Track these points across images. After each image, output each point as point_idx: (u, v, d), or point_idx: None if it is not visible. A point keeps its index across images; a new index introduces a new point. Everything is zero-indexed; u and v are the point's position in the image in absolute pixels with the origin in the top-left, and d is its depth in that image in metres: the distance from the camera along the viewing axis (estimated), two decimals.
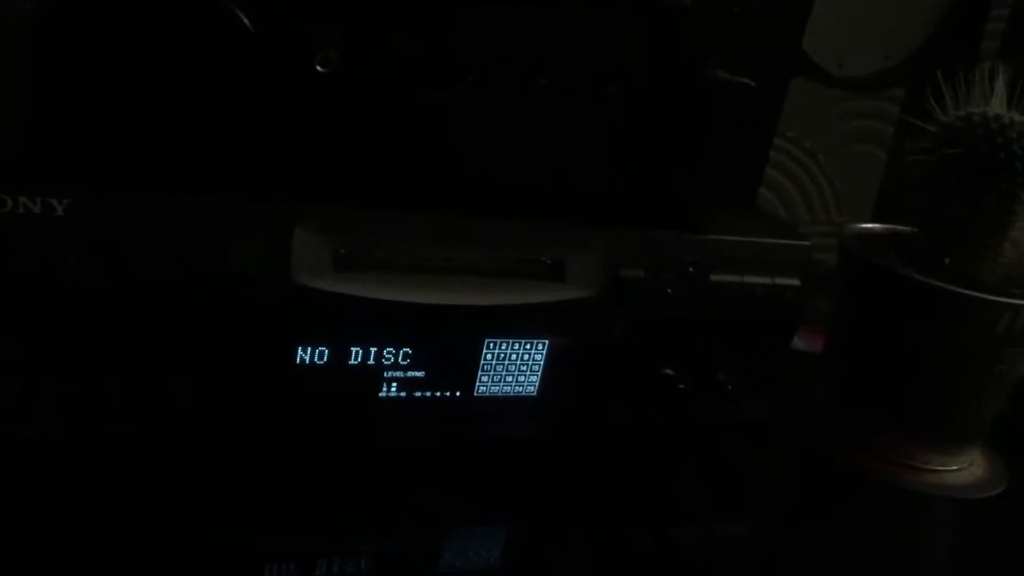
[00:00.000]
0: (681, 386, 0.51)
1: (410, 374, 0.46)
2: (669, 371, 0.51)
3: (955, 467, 0.59)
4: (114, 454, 0.43)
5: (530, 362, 0.48)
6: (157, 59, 0.37)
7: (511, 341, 0.48)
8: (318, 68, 0.39)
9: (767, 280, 0.51)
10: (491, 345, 0.47)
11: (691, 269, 0.49)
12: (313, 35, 0.39)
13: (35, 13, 0.39)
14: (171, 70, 0.38)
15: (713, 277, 0.50)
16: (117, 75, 0.38)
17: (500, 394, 0.49)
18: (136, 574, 0.39)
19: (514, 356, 0.48)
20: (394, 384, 0.46)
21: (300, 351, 0.44)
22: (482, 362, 0.47)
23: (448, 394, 0.48)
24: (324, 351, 0.44)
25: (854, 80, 0.80)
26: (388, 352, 0.45)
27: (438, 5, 0.41)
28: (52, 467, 0.42)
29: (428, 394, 0.47)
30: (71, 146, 0.39)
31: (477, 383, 0.48)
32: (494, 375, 0.48)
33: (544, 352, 0.48)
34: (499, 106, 0.44)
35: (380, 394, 0.46)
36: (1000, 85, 0.56)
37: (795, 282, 0.52)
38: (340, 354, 0.44)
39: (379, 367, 0.45)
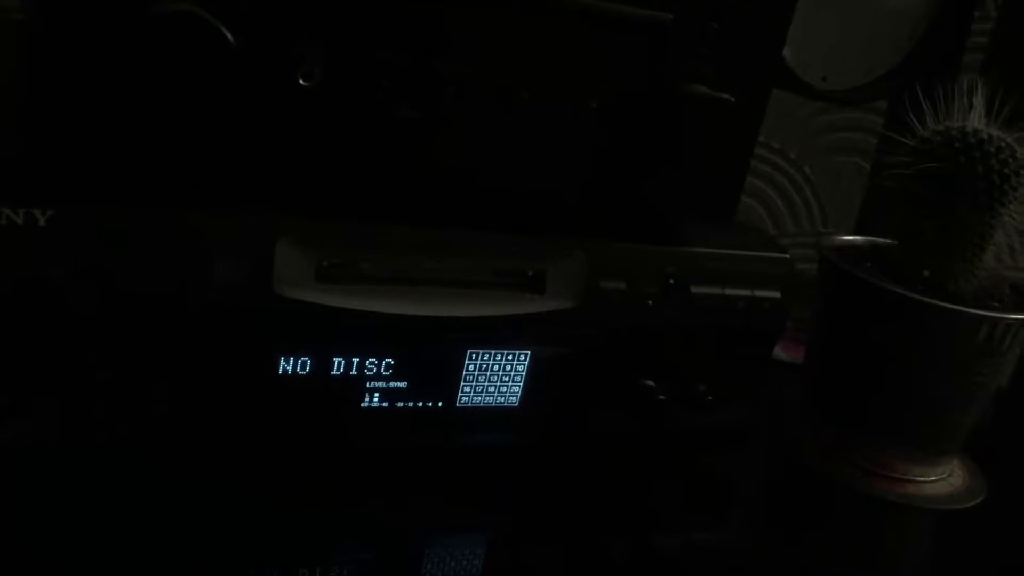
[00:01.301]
0: (661, 397, 0.51)
1: (392, 384, 0.47)
2: (649, 382, 0.51)
3: (934, 478, 0.60)
4: (97, 463, 0.43)
5: (512, 373, 0.49)
6: (142, 73, 0.38)
7: (493, 352, 0.48)
8: (301, 82, 0.40)
9: (748, 292, 0.52)
10: (473, 356, 0.48)
11: (672, 281, 0.50)
12: (296, 50, 0.40)
13: (23, 25, 0.39)
14: (155, 84, 0.38)
15: (694, 289, 0.50)
16: (102, 88, 0.38)
17: (482, 404, 0.49)
18: None
19: (496, 367, 0.48)
20: (376, 394, 0.47)
21: (283, 361, 0.44)
22: (464, 373, 0.48)
23: (430, 404, 0.48)
24: (307, 361, 0.44)
25: (837, 93, 0.81)
26: (370, 363, 0.46)
27: (420, 21, 0.42)
28: (33, 475, 0.42)
29: (410, 404, 0.47)
30: (55, 158, 0.39)
31: (459, 393, 0.48)
32: (476, 386, 0.48)
33: (526, 363, 0.49)
34: (481, 120, 0.45)
35: (362, 404, 0.46)
36: (978, 100, 0.56)
37: (775, 294, 0.52)
38: (323, 364, 0.45)
39: (361, 377, 0.46)
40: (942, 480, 0.60)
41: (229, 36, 0.37)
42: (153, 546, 0.41)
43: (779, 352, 0.71)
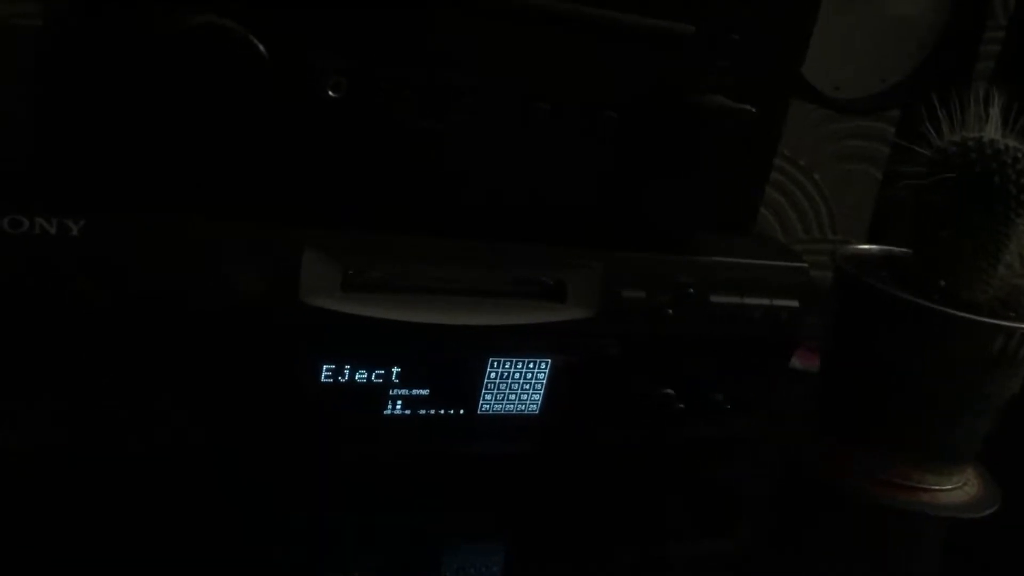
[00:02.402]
0: (680, 405, 0.52)
1: (415, 392, 0.47)
2: (668, 390, 0.52)
3: (949, 486, 0.60)
4: (127, 469, 0.43)
5: (533, 381, 0.49)
6: (172, 84, 0.38)
7: (514, 360, 0.48)
8: (330, 93, 0.40)
9: (765, 301, 0.52)
10: (495, 364, 0.48)
11: (691, 290, 0.50)
12: (321, 63, 0.40)
13: (49, 37, 0.40)
14: (186, 96, 0.38)
15: (712, 298, 0.51)
16: (132, 99, 0.39)
17: (503, 412, 0.49)
18: None
19: (517, 375, 0.49)
20: (399, 402, 0.47)
21: (308, 369, 0.44)
22: (485, 380, 0.48)
23: (452, 412, 0.48)
24: (331, 369, 0.45)
25: (850, 102, 0.81)
26: (394, 370, 0.46)
27: (440, 35, 0.42)
28: (60, 479, 0.42)
29: (432, 411, 0.48)
30: (85, 168, 0.39)
31: (480, 401, 0.49)
32: (497, 393, 0.49)
33: (546, 371, 0.49)
34: (502, 132, 0.45)
35: (385, 411, 0.47)
36: (995, 110, 0.57)
37: (793, 303, 0.53)
38: (347, 372, 0.45)
39: (385, 385, 0.46)
40: (957, 489, 0.60)
41: (261, 48, 0.37)
42: (175, 550, 0.42)
43: (794, 361, 0.71)
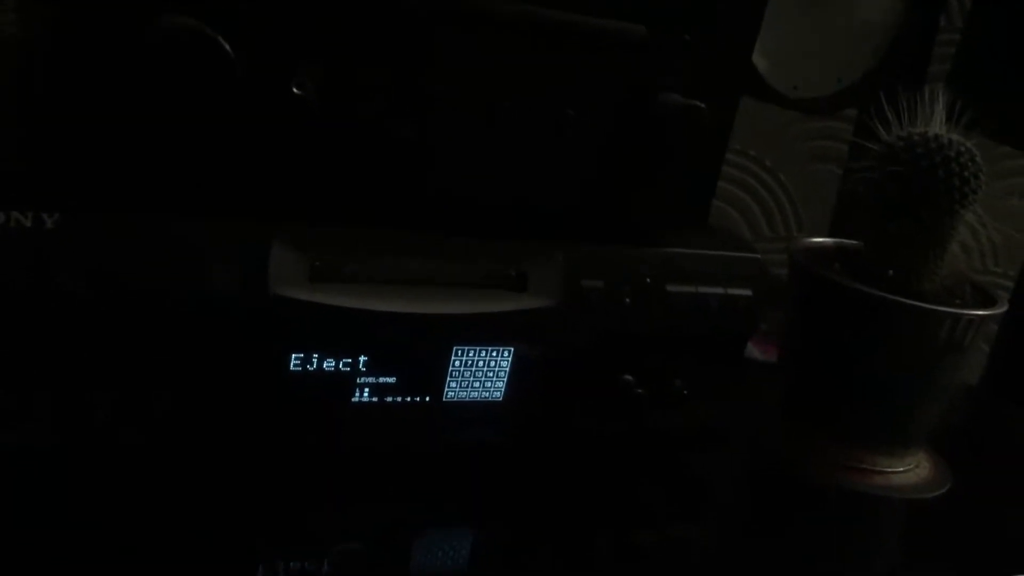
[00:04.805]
0: (639, 391, 0.54)
1: (382, 380, 0.49)
2: (628, 377, 0.54)
3: (902, 469, 0.63)
4: (98, 462, 0.45)
5: (496, 368, 0.51)
6: (144, 85, 0.40)
7: (478, 348, 0.50)
8: (294, 91, 0.42)
9: (720, 290, 0.54)
10: (459, 352, 0.50)
11: (648, 280, 0.52)
12: (289, 64, 0.42)
13: (27, 37, 0.41)
14: (158, 96, 0.40)
15: (669, 287, 0.53)
16: (106, 97, 0.40)
17: (468, 399, 0.51)
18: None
19: (481, 363, 0.51)
20: (366, 389, 0.49)
21: (278, 358, 0.46)
22: (451, 368, 0.50)
23: (418, 399, 0.50)
24: (300, 358, 0.46)
25: (808, 102, 0.84)
26: (361, 359, 0.48)
27: (408, 38, 0.44)
28: (39, 475, 0.44)
29: (399, 399, 0.50)
30: (59, 165, 0.41)
31: (446, 388, 0.50)
32: (462, 381, 0.51)
33: (509, 359, 0.51)
34: (465, 131, 0.47)
35: (353, 399, 0.48)
36: (940, 108, 0.59)
37: (747, 292, 0.55)
38: (315, 360, 0.47)
39: (352, 373, 0.48)
40: (910, 471, 0.63)
41: (228, 48, 0.39)
42: (150, 542, 0.43)
43: (754, 352, 0.73)
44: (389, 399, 0.49)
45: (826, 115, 0.92)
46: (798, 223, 1.01)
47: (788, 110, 0.89)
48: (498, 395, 0.52)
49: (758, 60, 0.78)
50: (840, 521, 0.58)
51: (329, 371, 0.47)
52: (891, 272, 0.59)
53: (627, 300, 0.52)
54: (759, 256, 0.56)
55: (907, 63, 0.86)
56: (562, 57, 0.48)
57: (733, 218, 0.98)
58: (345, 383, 0.48)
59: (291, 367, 0.46)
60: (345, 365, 0.48)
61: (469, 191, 0.49)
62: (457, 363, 0.50)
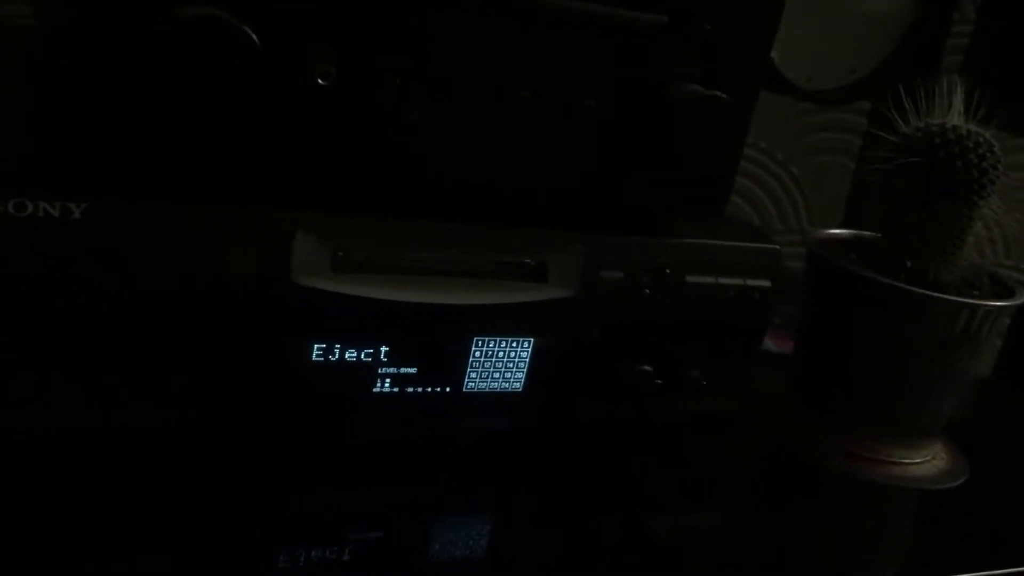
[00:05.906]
0: (658, 381, 0.54)
1: (403, 370, 0.49)
2: (646, 367, 0.54)
3: (918, 460, 0.63)
4: (123, 450, 0.45)
5: (516, 359, 0.51)
6: (167, 74, 0.40)
7: (498, 339, 0.50)
8: (319, 81, 0.42)
9: (739, 281, 0.54)
10: (479, 343, 0.50)
11: (667, 271, 0.52)
12: (310, 52, 0.42)
13: (54, 27, 0.42)
14: (181, 85, 0.40)
15: (688, 278, 0.53)
16: (130, 88, 0.40)
17: (487, 390, 0.51)
18: (135, 565, 0.41)
19: (501, 353, 0.51)
20: (387, 380, 0.49)
21: (300, 347, 0.46)
22: (471, 359, 0.50)
23: (438, 389, 0.50)
24: (322, 348, 0.47)
25: (822, 94, 0.83)
26: (382, 349, 0.48)
27: (429, 27, 0.44)
28: (61, 460, 0.44)
29: (419, 389, 0.50)
30: (85, 155, 0.41)
31: (466, 379, 0.51)
32: (482, 371, 0.51)
33: (529, 349, 0.51)
34: (484, 120, 0.47)
35: (374, 389, 0.49)
36: (957, 99, 0.59)
37: (766, 283, 0.55)
38: (337, 350, 0.47)
39: (374, 363, 0.48)
40: (927, 462, 0.63)
41: (254, 37, 0.39)
42: (171, 527, 0.44)
43: (770, 344, 0.73)
44: (410, 389, 0.49)
45: (838, 106, 0.92)
46: (809, 216, 1.01)
47: (800, 102, 0.89)
48: (518, 385, 0.52)
49: (772, 52, 0.77)
50: (856, 511, 0.58)
51: (351, 361, 0.47)
52: (908, 263, 0.59)
53: (646, 290, 0.52)
54: (778, 247, 0.56)
55: (920, 55, 0.86)
56: (583, 45, 0.48)
57: (744, 211, 0.98)
58: (367, 373, 0.48)
59: (313, 357, 0.46)
60: (367, 355, 0.48)
61: (489, 181, 0.49)
62: (477, 354, 0.50)
